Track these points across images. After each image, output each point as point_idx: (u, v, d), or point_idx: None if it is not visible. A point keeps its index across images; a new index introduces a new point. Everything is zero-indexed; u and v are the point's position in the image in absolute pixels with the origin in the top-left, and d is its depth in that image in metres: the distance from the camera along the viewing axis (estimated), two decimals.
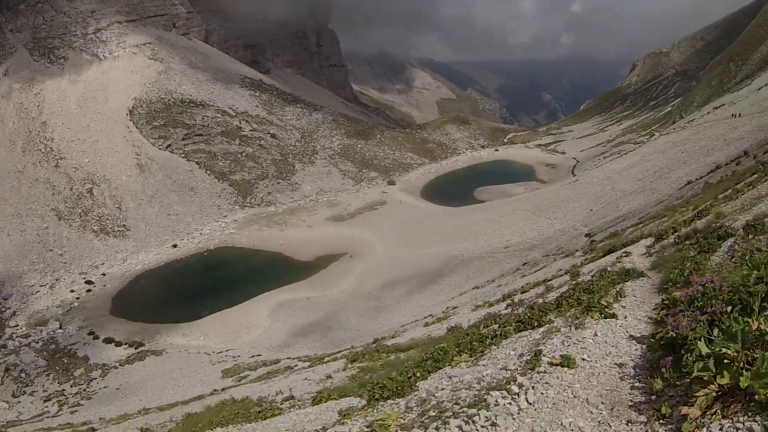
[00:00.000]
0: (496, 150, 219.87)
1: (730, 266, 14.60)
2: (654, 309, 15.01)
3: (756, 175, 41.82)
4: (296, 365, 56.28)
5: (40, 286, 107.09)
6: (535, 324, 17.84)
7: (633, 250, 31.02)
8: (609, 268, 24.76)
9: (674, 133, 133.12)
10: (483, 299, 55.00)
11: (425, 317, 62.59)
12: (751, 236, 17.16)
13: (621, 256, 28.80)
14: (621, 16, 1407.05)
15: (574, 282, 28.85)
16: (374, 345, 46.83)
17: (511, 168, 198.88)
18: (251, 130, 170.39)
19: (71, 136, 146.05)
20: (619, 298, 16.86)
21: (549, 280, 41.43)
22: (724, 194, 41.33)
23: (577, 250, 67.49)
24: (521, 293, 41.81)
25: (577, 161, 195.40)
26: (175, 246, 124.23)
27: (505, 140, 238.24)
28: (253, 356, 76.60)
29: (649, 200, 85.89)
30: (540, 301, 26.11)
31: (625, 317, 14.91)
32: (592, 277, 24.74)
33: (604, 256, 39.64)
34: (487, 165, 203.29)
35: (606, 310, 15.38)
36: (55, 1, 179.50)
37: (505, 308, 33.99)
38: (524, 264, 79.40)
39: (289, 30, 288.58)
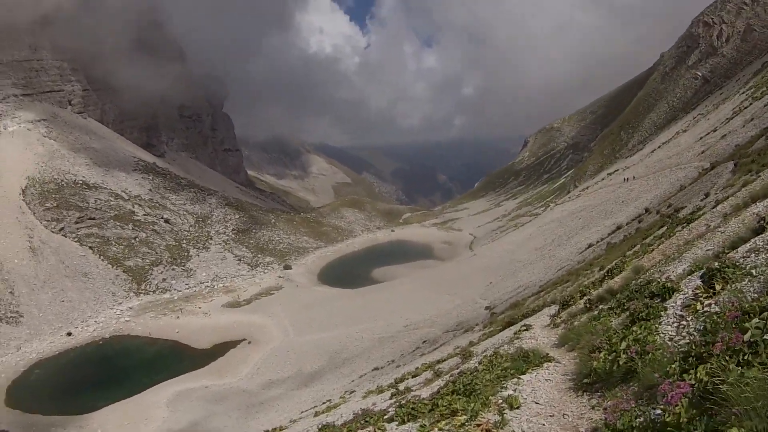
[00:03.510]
0: (392, 231, 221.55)
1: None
2: None
3: (665, 228, 41.30)
4: None
5: None
6: None
7: (534, 321, 29.30)
8: (504, 348, 22.58)
9: (570, 201, 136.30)
10: (377, 383, 54.67)
11: (324, 402, 61.79)
12: (719, 286, 11.34)
13: (520, 330, 26.69)
14: (511, 97, 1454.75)
15: (458, 370, 26.51)
16: None
17: (408, 247, 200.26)
18: (145, 215, 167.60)
19: None
20: (506, 413, 11.67)
21: (441, 361, 40.75)
22: (633, 250, 40.44)
23: (476, 324, 67.57)
24: (412, 377, 41.11)
25: (474, 237, 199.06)
26: (69, 334, 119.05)
27: (401, 221, 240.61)
28: None
29: (549, 267, 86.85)
30: (420, 394, 23.64)
31: None
32: (479, 363, 21.79)
33: (502, 329, 38.48)
34: (384, 246, 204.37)
35: None
36: None
37: (390, 397, 32.80)
38: (424, 342, 79.09)
39: (184, 113, 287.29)
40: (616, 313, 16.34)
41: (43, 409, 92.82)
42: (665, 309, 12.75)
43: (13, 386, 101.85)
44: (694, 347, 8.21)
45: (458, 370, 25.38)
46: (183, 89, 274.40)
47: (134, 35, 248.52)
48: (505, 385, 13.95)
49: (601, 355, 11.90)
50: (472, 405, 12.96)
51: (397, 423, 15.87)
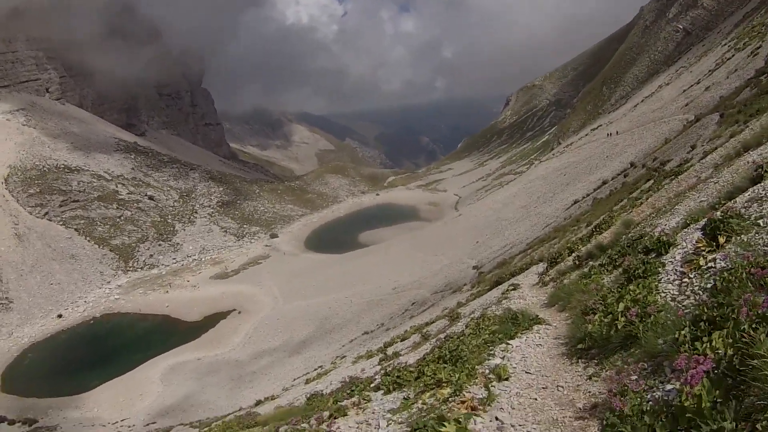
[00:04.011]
0: (377, 194, 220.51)
1: None
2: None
3: (652, 181, 40.75)
4: None
5: None
6: None
7: (522, 280, 28.32)
8: (491, 309, 21.45)
9: (554, 158, 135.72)
10: (367, 347, 54.72)
11: (315, 369, 61.88)
12: (723, 239, 10.02)
13: (508, 290, 25.47)
14: (490, 57, 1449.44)
15: (444, 334, 25.66)
16: (244, 413, 46.00)
17: (394, 210, 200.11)
18: (128, 194, 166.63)
19: None
20: (493, 386, 10.46)
21: (430, 323, 40.60)
22: (620, 205, 39.88)
23: (464, 285, 67.44)
24: (401, 340, 41.15)
25: (460, 197, 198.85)
26: (60, 316, 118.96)
27: (386, 184, 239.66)
28: (147, 424, 74.13)
29: (535, 224, 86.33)
30: (407, 360, 24.05)
31: None
32: (467, 326, 20.65)
33: (490, 289, 37.97)
34: (370, 210, 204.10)
35: None
36: None
37: (378, 363, 33.09)
38: (413, 304, 79.26)
39: (163, 91, 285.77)
40: (607, 269, 15.47)
41: (39, 392, 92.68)
42: (663, 265, 11.52)
43: (8, 372, 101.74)
44: (705, 310, 7.14)
45: (445, 334, 24.72)
46: (160, 69, 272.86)
47: (106, 21, 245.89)
48: (492, 352, 12.95)
49: (596, 317, 10.76)
50: (458, 375, 11.87)
51: (382, 392, 15.34)
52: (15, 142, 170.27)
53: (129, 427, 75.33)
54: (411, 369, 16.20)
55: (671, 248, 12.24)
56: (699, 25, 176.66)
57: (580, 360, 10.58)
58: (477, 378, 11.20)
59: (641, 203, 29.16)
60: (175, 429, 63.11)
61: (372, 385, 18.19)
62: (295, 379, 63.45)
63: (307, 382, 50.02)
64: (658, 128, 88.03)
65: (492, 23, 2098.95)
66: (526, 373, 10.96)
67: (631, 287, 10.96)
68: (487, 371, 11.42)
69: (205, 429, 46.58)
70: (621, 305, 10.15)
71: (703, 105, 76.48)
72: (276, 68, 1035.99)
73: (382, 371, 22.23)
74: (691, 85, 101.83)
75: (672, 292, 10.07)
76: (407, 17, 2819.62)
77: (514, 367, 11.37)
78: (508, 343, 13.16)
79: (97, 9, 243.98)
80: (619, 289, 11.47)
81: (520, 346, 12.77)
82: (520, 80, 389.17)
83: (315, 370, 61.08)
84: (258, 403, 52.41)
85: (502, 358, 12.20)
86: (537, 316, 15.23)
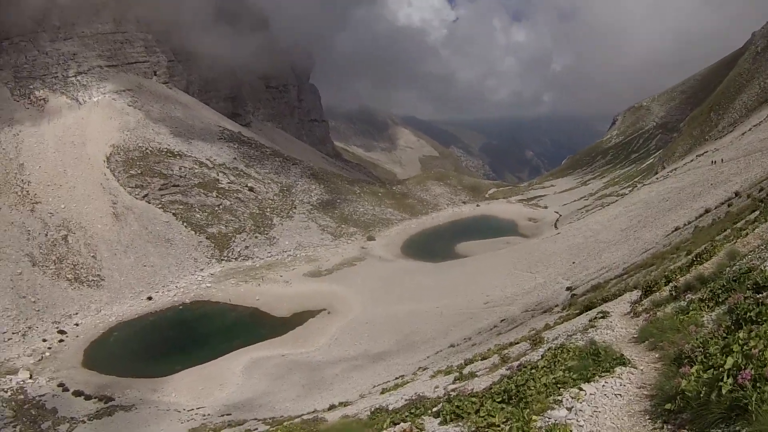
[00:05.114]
0: (478, 205, 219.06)
1: None
2: None
3: (758, 212, 38.20)
4: (257, 428, 54.47)
5: (12, 333, 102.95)
6: None
7: (613, 307, 25.94)
8: (575, 338, 20.03)
9: (657, 182, 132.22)
10: (448, 362, 53.59)
11: (396, 378, 60.76)
12: None
13: (596, 318, 23.27)
14: (601, 74, 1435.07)
15: (518, 362, 23.68)
16: (312, 417, 45.16)
17: (493, 223, 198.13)
18: (229, 183, 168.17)
19: (48, 180, 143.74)
20: None
21: (513, 344, 39.14)
22: (723, 234, 37.11)
23: (556, 305, 65.92)
24: (481, 359, 39.86)
25: (560, 215, 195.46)
26: (150, 298, 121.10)
27: (487, 195, 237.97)
28: (222, 415, 74.14)
29: (633, 249, 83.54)
30: (476, 386, 22.33)
31: None
32: (542, 357, 18.68)
33: (580, 313, 36.15)
34: (469, 220, 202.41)
35: None
36: (37, 40, 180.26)
37: (453, 382, 32.10)
38: (502, 321, 77.23)
39: (270, 83, 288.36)
40: (708, 306, 13.29)
41: (119, 371, 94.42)
42: None
43: (91, 348, 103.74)
44: None
45: (518, 362, 22.86)
46: (267, 59, 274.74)
47: (215, 4, 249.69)
48: (560, 398, 10.74)
49: (693, 370, 8.21)
50: (510, 426, 10.03)
51: (439, 421, 14.29)
52: (119, 122, 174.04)
53: (204, 416, 75.60)
54: (474, 399, 14.46)
55: None
56: None
57: (665, 426, 8.25)
58: None
59: (747, 234, 26.71)
60: (248, 423, 62.75)
61: (434, 410, 17.01)
62: (374, 387, 62.64)
63: (383, 392, 48.85)
64: (766, 158, 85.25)
65: (603, 39, 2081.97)
66: None
67: (741, 335, 8.52)
68: (544, 429, 9.34)
69: (272, 429, 45.94)
70: (729, 360, 7.73)
71: None
72: (384, 68, 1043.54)
73: (446, 397, 21.12)
74: None
75: None
76: (519, 27, 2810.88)
77: (581, 426, 9.22)
78: (581, 389, 10.98)
79: None
80: (725, 336, 9.11)
81: (594, 395, 10.51)
82: (627, 100, 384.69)
83: (395, 379, 60.05)
84: (331, 407, 51.62)
85: (569, 409, 10.06)
86: (622, 355, 12.59)
